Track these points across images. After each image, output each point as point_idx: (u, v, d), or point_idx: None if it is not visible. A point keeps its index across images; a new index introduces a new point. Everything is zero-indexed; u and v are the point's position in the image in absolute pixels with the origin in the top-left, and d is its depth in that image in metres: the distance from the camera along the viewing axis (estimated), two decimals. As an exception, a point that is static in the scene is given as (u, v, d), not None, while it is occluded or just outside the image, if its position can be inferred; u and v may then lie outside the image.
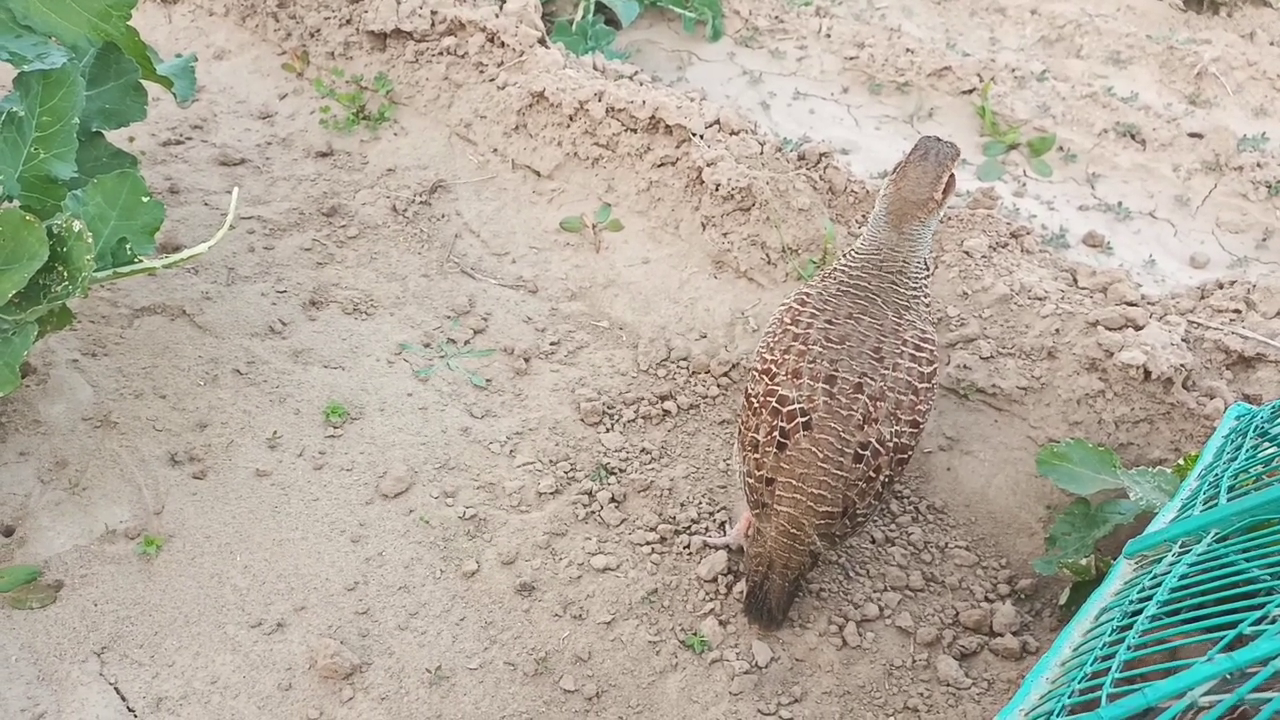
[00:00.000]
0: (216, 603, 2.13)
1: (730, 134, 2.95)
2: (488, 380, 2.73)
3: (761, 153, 2.92)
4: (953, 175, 2.06)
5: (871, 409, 1.95)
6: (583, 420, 2.63)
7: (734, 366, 2.77)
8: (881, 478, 1.98)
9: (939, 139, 2.10)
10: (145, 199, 2.22)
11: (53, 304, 1.92)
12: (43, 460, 2.31)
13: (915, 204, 2.04)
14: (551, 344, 2.85)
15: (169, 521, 2.25)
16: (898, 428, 1.96)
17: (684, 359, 2.79)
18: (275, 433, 2.47)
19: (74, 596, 2.10)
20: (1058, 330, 2.48)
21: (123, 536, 2.21)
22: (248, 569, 2.19)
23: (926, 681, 2.13)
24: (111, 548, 2.18)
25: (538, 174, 3.27)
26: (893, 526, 2.44)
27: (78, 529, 2.21)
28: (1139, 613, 1.34)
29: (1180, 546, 1.49)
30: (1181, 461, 2.08)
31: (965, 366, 2.55)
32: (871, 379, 1.97)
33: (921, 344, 2.03)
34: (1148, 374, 2.31)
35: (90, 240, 1.88)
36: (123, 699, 1.97)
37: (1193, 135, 3.73)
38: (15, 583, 2.07)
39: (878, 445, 1.95)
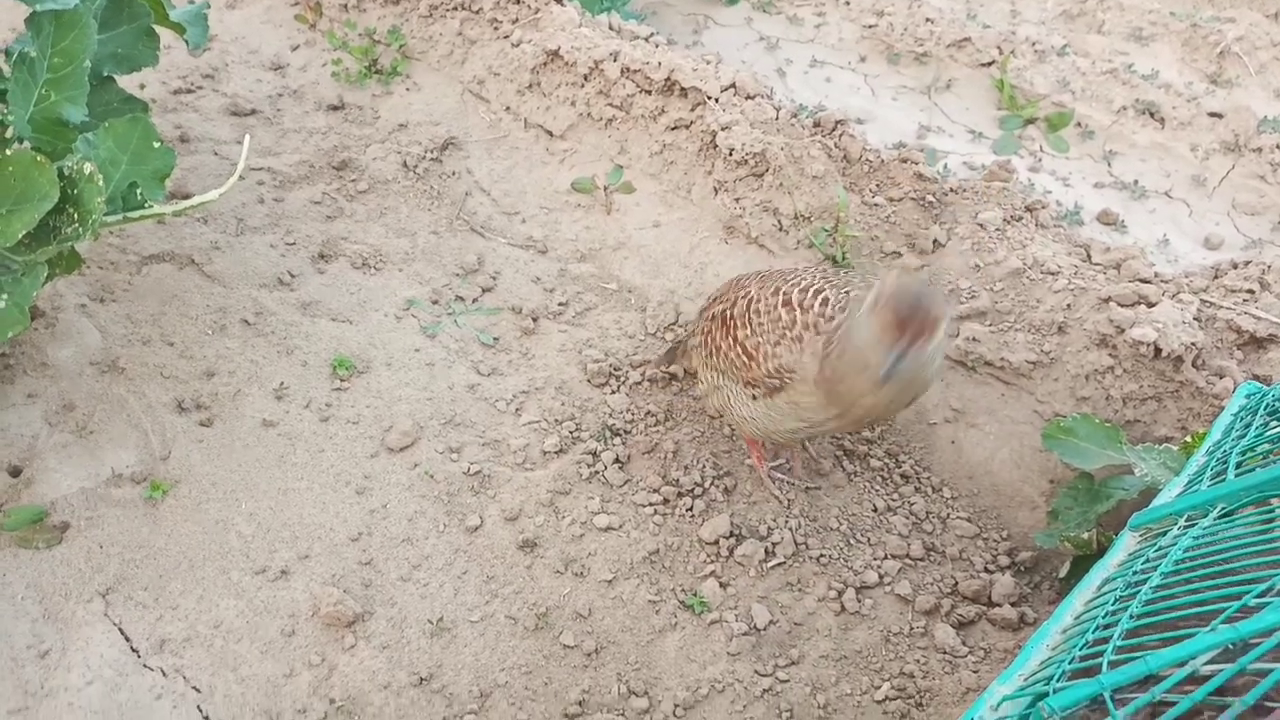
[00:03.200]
0: (221, 548, 2.14)
1: (746, 98, 2.92)
2: (495, 338, 2.72)
3: (777, 118, 2.89)
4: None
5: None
6: (589, 381, 2.63)
7: (742, 332, 2.76)
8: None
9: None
10: (156, 145, 2.21)
11: (62, 245, 1.91)
12: (50, 403, 2.31)
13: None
14: (560, 304, 2.84)
15: (175, 467, 2.26)
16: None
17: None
18: (282, 383, 2.48)
19: (80, 538, 2.11)
20: (1069, 305, 2.47)
21: (129, 481, 2.22)
22: (253, 516, 2.20)
23: (923, 648, 2.14)
24: (118, 491, 2.19)
25: (550, 134, 3.25)
26: (895, 496, 2.45)
27: (84, 472, 2.21)
28: (1142, 583, 1.35)
29: (1186, 520, 1.49)
30: (1189, 439, 2.08)
31: (974, 339, 2.54)
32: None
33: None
34: (1158, 351, 2.30)
35: (101, 182, 1.87)
36: (127, 639, 1.99)
37: (1212, 115, 3.69)
38: (22, 522, 2.08)
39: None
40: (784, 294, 2.03)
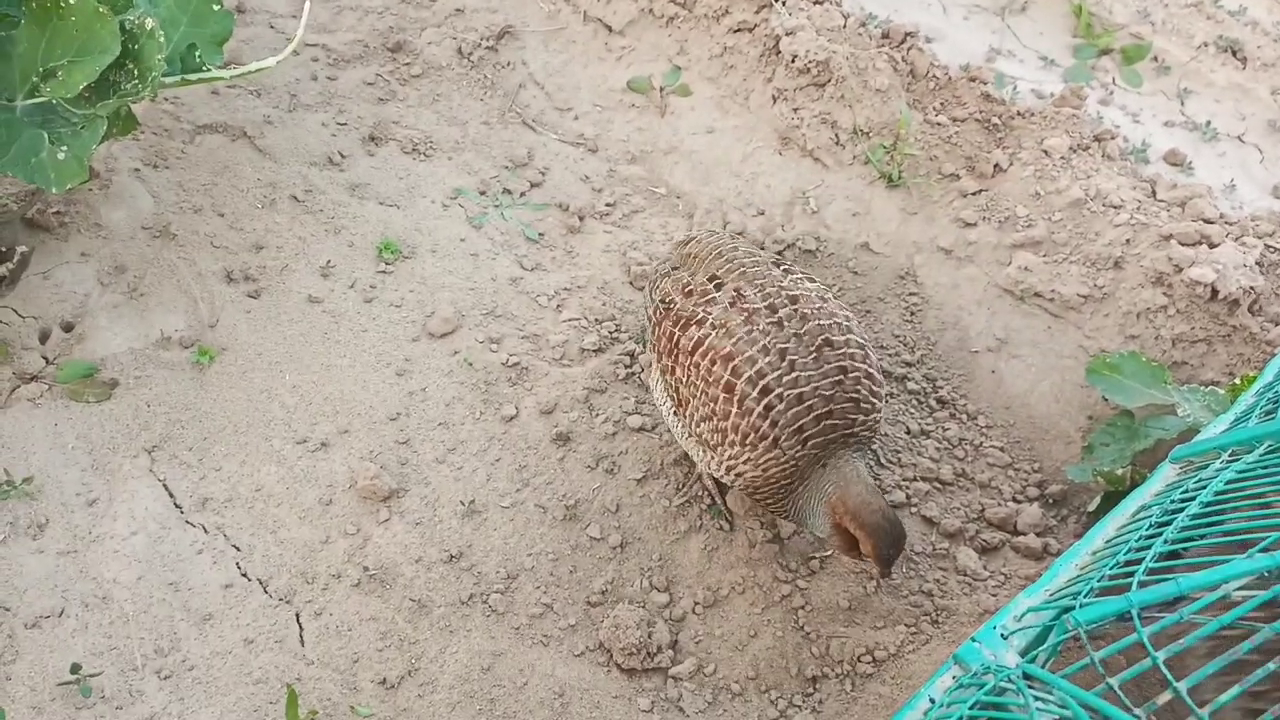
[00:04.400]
0: (264, 417, 2.19)
1: (814, 3, 2.83)
2: (540, 234, 2.71)
3: (844, 26, 2.80)
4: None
5: None
6: (631, 283, 2.62)
7: (789, 246, 2.73)
8: None
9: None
10: (216, 7, 2.19)
11: (122, 101, 1.91)
12: (103, 263, 2.35)
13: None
14: (607, 205, 2.82)
15: (222, 335, 2.30)
16: None
17: (739, 233, 2.75)
18: (329, 262, 2.49)
19: (128, 395, 2.17)
20: (1128, 240, 2.41)
21: (177, 344, 2.26)
22: (296, 389, 2.25)
23: (944, 569, 2.16)
24: (166, 354, 2.24)
25: (609, 29, 3.17)
26: (930, 420, 2.44)
27: (134, 332, 2.26)
28: (1180, 512, 1.34)
29: (1229, 455, 1.48)
30: (1237, 381, 2.05)
31: (1026, 269, 2.50)
32: None
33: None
34: (1215, 293, 2.25)
35: (162, 39, 1.86)
36: (170, 495, 2.06)
37: (1299, 58, 3.52)
38: (73, 376, 2.14)
39: None
40: (733, 371, 1.84)
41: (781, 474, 1.86)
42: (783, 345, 1.85)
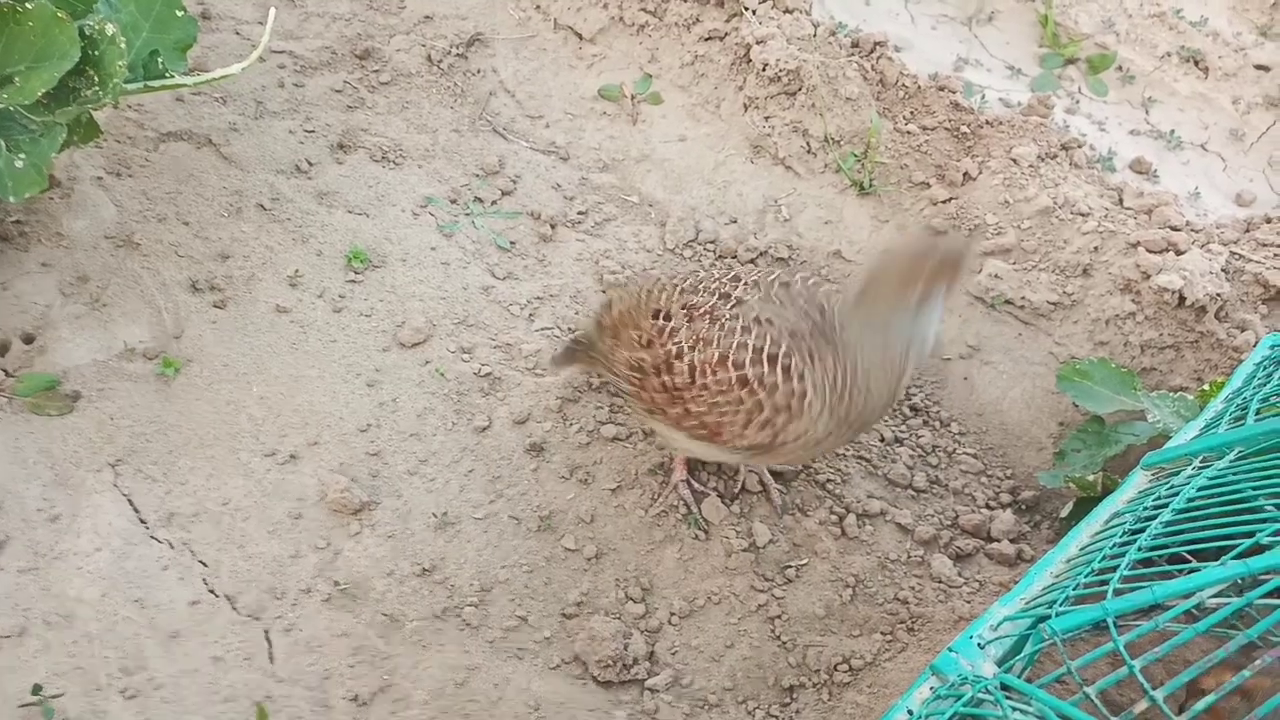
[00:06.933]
0: (231, 429, 2.15)
1: (784, 12, 2.83)
2: (512, 243, 2.69)
3: (814, 35, 2.81)
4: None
5: None
6: (604, 292, 2.60)
7: (761, 254, 2.73)
8: None
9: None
10: (180, 13, 2.15)
11: (82, 108, 1.87)
12: (64, 273, 2.30)
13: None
14: (579, 213, 2.80)
15: (188, 346, 2.26)
16: None
17: (712, 242, 2.75)
18: (297, 271, 2.46)
19: (91, 408, 2.12)
20: (1096, 248, 2.44)
21: (141, 356, 2.22)
22: (263, 400, 2.21)
23: (919, 577, 2.17)
24: (130, 365, 2.20)
25: (580, 36, 3.16)
26: (903, 428, 2.45)
27: (97, 344, 2.21)
28: (1152, 519, 1.35)
29: (1200, 461, 1.49)
30: (1206, 387, 2.07)
31: (996, 276, 2.51)
32: None
33: None
34: (1182, 300, 2.28)
35: (123, 45, 1.83)
36: (135, 510, 2.02)
37: (1259, 68, 3.59)
38: (34, 389, 2.09)
39: None
40: (734, 365, 1.80)
41: (844, 388, 1.79)
42: (755, 314, 1.82)
